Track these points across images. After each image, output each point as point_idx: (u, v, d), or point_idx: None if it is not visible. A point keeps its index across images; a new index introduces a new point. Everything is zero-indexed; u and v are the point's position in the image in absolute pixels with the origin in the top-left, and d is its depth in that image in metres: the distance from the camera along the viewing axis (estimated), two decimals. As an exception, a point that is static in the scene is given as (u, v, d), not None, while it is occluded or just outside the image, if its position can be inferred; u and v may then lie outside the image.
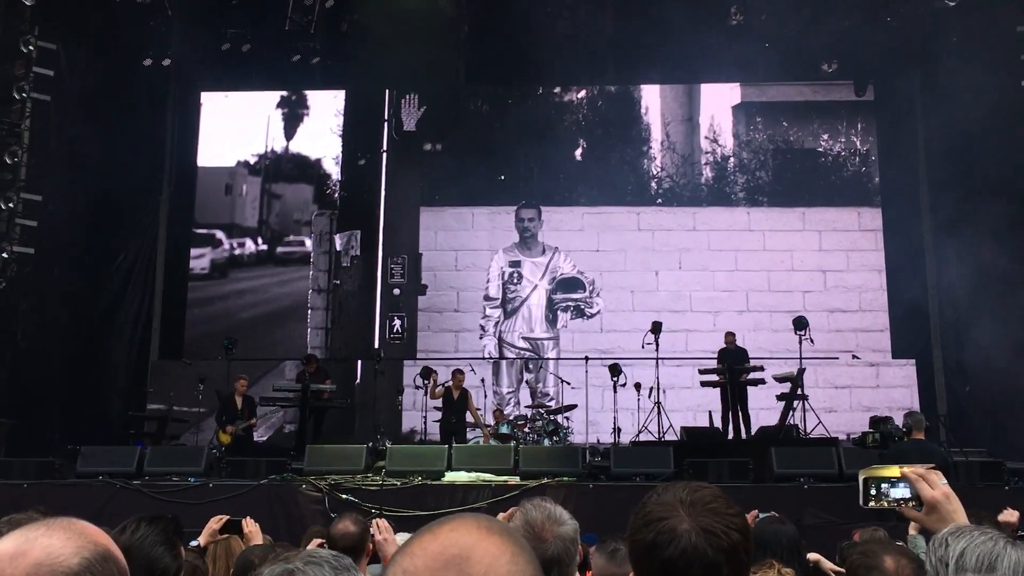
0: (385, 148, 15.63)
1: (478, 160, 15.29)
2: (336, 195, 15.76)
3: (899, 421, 13.52)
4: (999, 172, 11.99)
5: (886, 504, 1.83)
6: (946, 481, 1.77)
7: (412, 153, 15.63)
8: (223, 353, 11.88)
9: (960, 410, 12.45)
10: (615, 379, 11.96)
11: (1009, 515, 5.44)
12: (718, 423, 12.28)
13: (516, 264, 15.36)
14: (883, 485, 1.83)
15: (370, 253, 15.32)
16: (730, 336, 12.52)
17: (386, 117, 15.59)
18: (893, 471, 1.81)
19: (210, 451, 10.56)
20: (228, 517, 4.12)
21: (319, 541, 3.99)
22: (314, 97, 16.05)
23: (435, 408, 12.33)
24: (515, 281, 15.29)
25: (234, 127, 15.96)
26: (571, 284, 15.22)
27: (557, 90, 16.03)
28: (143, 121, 14.71)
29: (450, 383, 12.32)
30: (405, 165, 15.68)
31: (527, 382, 14.82)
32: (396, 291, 15.08)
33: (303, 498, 9.73)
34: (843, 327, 14.70)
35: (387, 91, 15.51)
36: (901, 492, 1.81)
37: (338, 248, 15.42)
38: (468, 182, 15.38)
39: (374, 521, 3.92)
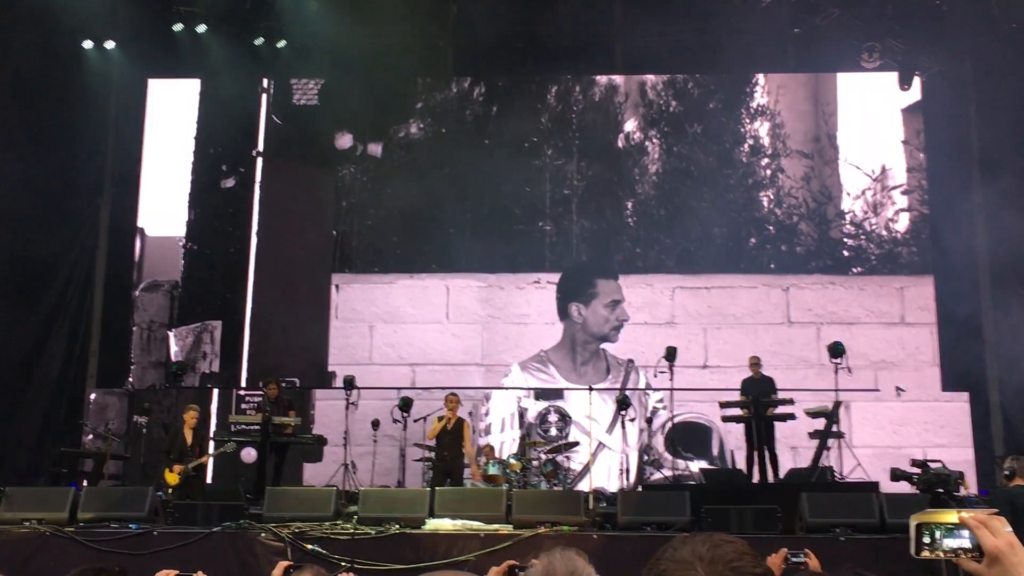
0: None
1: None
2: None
3: (949, 463, 13.76)
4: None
5: (942, 554, 1.77)
6: (1011, 529, 1.72)
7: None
8: (170, 380, 11.84)
9: (1021, 450, 12.49)
10: (623, 413, 11.96)
11: None
12: (742, 464, 12.29)
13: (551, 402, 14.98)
14: (938, 532, 1.78)
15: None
16: (755, 362, 12.53)
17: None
18: (950, 516, 1.76)
19: (155, 493, 10.45)
20: (176, 573, 4.08)
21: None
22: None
23: (416, 445, 12.26)
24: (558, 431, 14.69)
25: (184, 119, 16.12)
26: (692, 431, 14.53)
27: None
28: (82, 111, 14.72)
29: (444, 412, 12.17)
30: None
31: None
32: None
33: (262, 549, 9.65)
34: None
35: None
36: (959, 541, 1.76)
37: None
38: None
39: (342, 576, 3.90)
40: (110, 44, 14.18)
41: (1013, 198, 12.63)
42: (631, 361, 15.16)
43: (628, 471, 12.21)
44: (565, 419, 14.51)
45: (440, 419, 12.15)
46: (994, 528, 1.73)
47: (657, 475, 13.87)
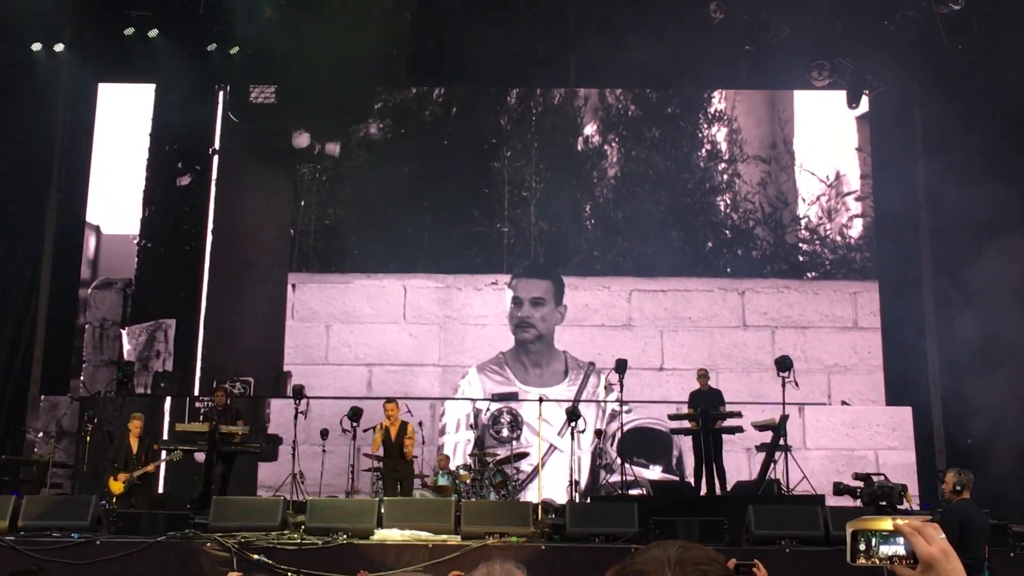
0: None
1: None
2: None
3: (900, 465, 13.96)
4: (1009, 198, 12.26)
5: (877, 561, 1.80)
6: (944, 536, 1.75)
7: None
8: (116, 388, 11.64)
9: (961, 465, 12.61)
10: (572, 424, 11.91)
11: None
12: (690, 476, 12.31)
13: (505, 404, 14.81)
14: (874, 539, 1.80)
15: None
16: (703, 374, 12.54)
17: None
18: (885, 524, 1.79)
19: (98, 502, 10.28)
20: None
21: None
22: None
23: (366, 455, 12.12)
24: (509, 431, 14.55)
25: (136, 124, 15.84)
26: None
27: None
28: (30, 116, 14.44)
29: (385, 422, 11.87)
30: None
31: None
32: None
33: (207, 559, 9.57)
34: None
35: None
36: (894, 548, 1.78)
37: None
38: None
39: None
40: (59, 47, 13.86)
41: (956, 214, 12.75)
42: (592, 364, 15.10)
43: (580, 473, 12.14)
44: (517, 420, 14.45)
45: (379, 428, 11.89)
46: (928, 535, 1.75)
47: (614, 478, 13.82)
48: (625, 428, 13.02)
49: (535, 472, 12.77)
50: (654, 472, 14.04)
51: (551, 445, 13.98)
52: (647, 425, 14.50)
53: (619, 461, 12.27)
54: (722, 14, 13.28)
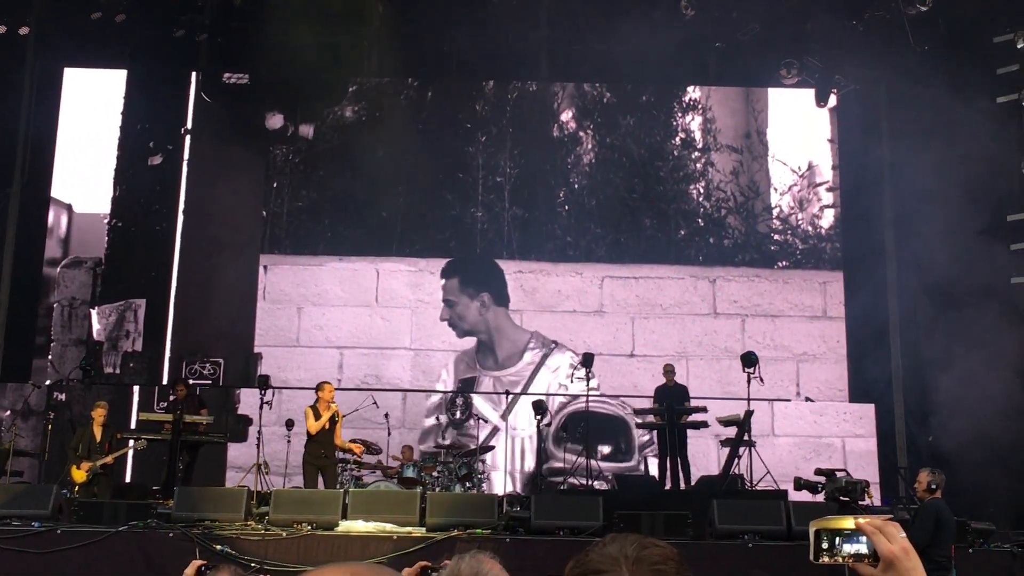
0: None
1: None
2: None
3: (865, 453, 14.04)
4: (973, 200, 12.23)
5: (840, 559, 1.80)
6: (905, 535, 1.75)
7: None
8: (80, 375, 11.43)
9: (921, 462, 12.66)
10: (539, 418, 11.81)
11: None
12: (655, 470, 12.26)
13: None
14: (837, 538, 1.80)
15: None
16: (669, 369, 12.47)
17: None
18: (847, 523, 1.78)
19: (60, 491, 10.11)
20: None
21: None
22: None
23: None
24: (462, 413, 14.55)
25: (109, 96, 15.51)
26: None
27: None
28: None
29: (317, 404, 11.16)
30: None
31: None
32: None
33: (169, 549, 9.44)
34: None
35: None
36: (856, 546, 1.78)
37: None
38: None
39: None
40: (24, 31, 13.52)
41: (921, 210, 12.74)
42: (555, 343, 15.00)
43: (524, 459, 12.10)
44: (467, 402, 14.46)
45: (313, 409, 11.21)
46: (889, 534, 1.76)
47: (556, 464, 13.78)
48: (568, 411, 12.97)
49: (484, 449, 12.74)
50: (607, 461, 13.96)
51: (495, 427, 14.01)
52: (607, 412, 14.46)
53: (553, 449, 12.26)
54: (693, 11, 13.20)
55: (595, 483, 11.82)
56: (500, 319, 15.30)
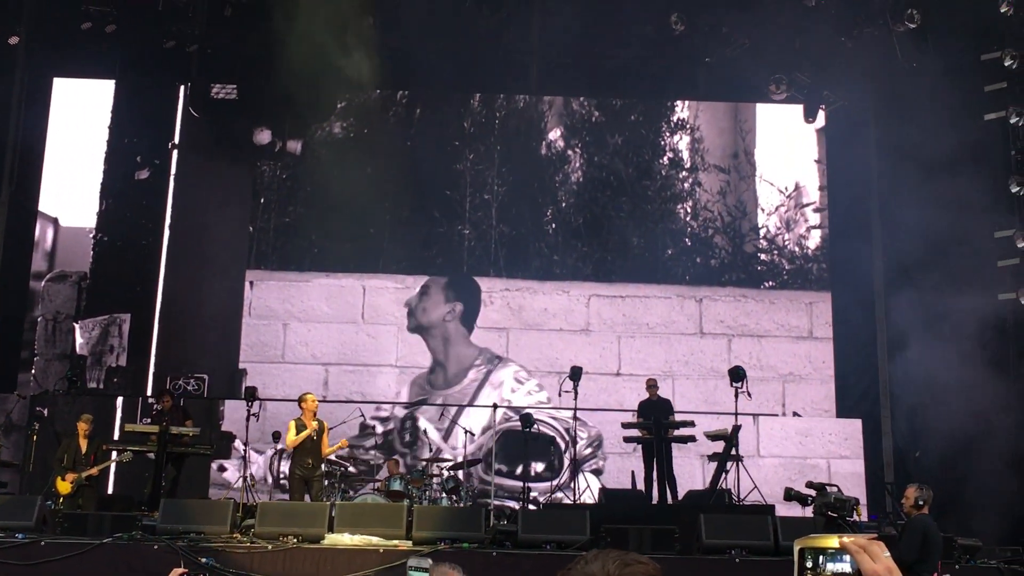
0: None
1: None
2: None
3: (851, 474, 14.09)
4: (961, 218, 12.38)
5: None
6: (889, 554, 1.78)
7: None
8: (66, 386, 11.40)
9: (908, 478, 12.75)
10: (527, 430, 11.85)
11: None
12: (641, 485, 12.29)
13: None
14: (820, 557, 1.84)
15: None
16: (652, 384, 12.53)
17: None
18: (832, 542, 1.83)
19: (43, 503, 10.07)
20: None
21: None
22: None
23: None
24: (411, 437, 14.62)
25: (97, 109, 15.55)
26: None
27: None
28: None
29: (301, 417, 10.97)
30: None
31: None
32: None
33: (154, 561, 9.39)
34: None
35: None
36: (840, 565, 1.83)
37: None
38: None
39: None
40: (14, 40, 13.56)
41: (910, 230, 12.89)
42: (498, 358, 15.13)
43: (529, 490, 12.13)
44: (416, 425, 14.60)
45: (297, 422, 11.05)
46: (873, 553, 1.77)
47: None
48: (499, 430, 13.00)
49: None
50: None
51: (437, 447, 14.10)
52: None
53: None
54: (683, 26, 13.35)
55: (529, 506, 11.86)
56: (457, 334, 15.37)
